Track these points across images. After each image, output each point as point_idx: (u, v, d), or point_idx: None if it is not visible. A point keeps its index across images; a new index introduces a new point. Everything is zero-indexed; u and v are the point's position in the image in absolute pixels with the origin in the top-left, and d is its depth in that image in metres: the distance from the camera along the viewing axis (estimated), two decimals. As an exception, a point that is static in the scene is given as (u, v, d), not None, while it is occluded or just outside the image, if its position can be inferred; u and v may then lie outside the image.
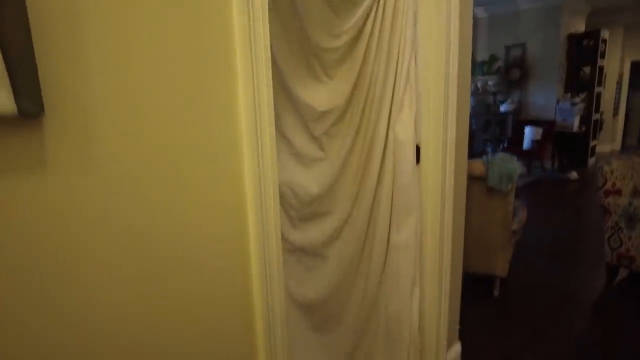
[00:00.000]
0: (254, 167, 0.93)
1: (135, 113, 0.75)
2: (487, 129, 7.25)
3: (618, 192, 2.65)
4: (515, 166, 2.38)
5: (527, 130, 6.55)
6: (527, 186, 5.91)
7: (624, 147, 9.12)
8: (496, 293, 2.62)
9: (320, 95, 1.51)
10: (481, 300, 2.59)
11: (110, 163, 0.73)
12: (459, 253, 1.84)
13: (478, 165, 2.41)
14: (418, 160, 1.61)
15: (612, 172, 2.65)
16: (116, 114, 0.73)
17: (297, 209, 1.69)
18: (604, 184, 2.66)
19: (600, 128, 7.86)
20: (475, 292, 2.62)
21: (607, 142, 8.70)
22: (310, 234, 1.68)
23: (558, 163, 6.93)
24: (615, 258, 2.67)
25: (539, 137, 6.45)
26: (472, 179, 2.39)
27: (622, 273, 2.83)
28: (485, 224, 2.49)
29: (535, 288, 2.74)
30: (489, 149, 7.12)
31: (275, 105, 1.03)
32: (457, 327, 1.93)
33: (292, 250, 1.73)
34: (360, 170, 1.66)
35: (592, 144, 7.25)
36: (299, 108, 1.48)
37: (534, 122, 6.70)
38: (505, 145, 6.89)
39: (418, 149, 1.62)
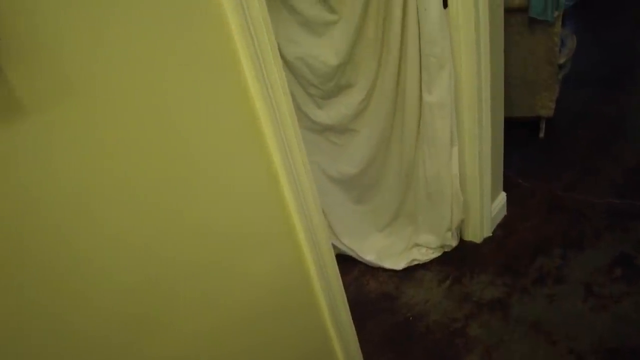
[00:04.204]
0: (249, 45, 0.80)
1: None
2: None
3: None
4: (564, -13, 2.02)
5: None
6: (578, 5, 5.16)
7: None
8: (541, 135, 2.49)
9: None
10: (526, 145, 2.48)
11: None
12: (499, 101, 1.69)
13: (517, -6, 2.07)
14: (445, 4, 1.38)
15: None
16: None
17: (318, 85, 1.57)
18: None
19: None
20: (519, 137, 2.49)
21: None
22: (337, 111, 1.59)
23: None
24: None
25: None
26: (509, 12, 2.07)
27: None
28: (528, 62, 2.24)
29: (585, 123, 2.57)
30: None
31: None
32: (501, 177, 1.88)
33: (320, 130, 1.67)
34: (380, 28, 1.46)
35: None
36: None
37: None
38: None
39: (444, -10, 1.37)
